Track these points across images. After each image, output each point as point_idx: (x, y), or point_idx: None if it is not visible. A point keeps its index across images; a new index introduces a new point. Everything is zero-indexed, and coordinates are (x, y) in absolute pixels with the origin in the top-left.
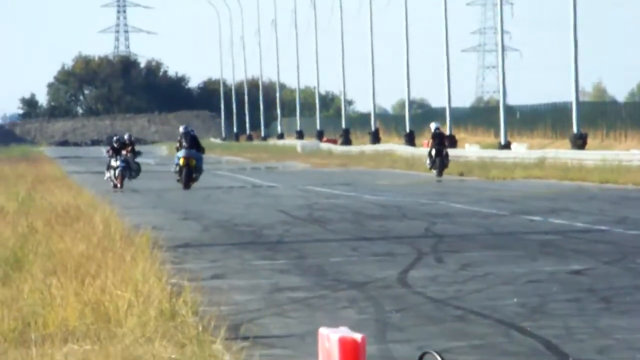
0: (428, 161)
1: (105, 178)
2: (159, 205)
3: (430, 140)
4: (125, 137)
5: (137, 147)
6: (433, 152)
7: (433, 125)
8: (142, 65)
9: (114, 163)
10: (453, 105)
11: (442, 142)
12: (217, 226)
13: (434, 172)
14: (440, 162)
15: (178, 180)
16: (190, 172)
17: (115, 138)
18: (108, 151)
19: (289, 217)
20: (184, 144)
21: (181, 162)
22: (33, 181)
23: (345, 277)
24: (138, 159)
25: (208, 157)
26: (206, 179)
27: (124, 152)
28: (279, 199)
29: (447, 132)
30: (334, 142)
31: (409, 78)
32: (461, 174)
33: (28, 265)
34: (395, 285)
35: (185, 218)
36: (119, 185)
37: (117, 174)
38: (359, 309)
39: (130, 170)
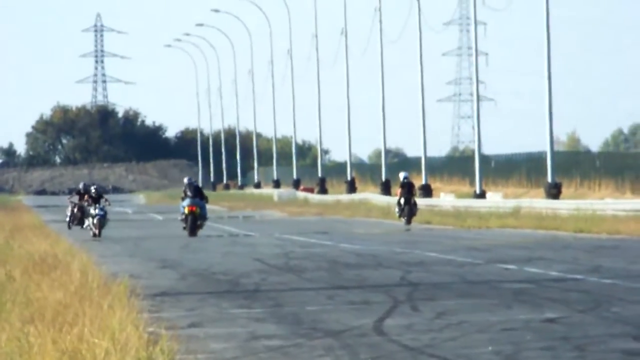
0: (397, 209)
1: (85, 226)
2: (136, 253)
3: (399, 190)
4: (92, 188)
5: (106, 197)
6: (402, 200)
7: (402, 175)
8: (120, 114)
9: (92, 211)
10: (429, 154)
11: (411, 191)
12: (194, 275)
13: (403, 220)
14: (408, 210)
15: (184, 228)
16: (195, 220)
17: (82, 186)
18: (72, 200)
19: (266, 265)
20: (189, 193)
21: (186, 210)
22: (11, 230)
23: (321, 326)
24: (117, 208)
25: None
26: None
27: (99, 201)
28: (256, 247)
29: (423, 182)
30: (311, 191)
31: (385, 128)
32: (428, 222)
33: (5, 314)
34: (371, 333)
35: (162, 266)
36: (97, 233)
37: (95, 222)
38: (335, 357)
39: (105, 219)
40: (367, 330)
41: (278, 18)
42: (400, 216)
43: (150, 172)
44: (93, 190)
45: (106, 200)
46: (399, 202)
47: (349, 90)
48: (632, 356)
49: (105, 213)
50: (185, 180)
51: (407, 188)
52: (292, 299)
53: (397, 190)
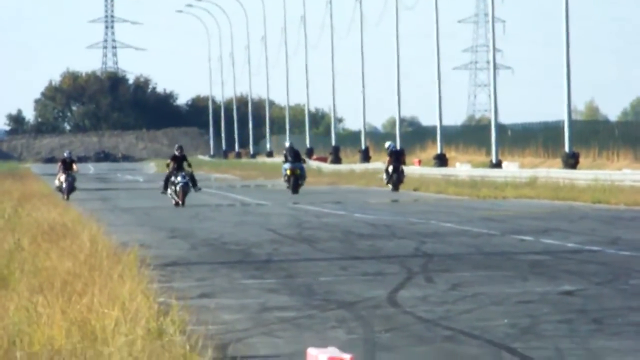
0: (385, 176)
1: (169, 194)
2: (147, 223)
3: (388, 158)
4: (65, 154)
5: (124, 164)
6: (390, 168)
7: (387, 144)
8: (130, 81)
9: (174, 179)
10: (444, 123)
11: (399, 159)
12: (205, 244)
13: (390, 186)
14: (396, 177)
15: (287, 187)
16: (297, 180)
17: (67, 154)
18: (60, 167)
19: (278, 235)
20: (289, 157)
21: (289, 172)
22: (19, 198)
23: (334, 297)
24: (128, 176)
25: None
26: (194, 196)
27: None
28: (268, 217)
29: (438, 151)
30: (324, 160)
31: (400, 96)
32: (415, 189)
33: (14, 283)
34: (384, 305)
35: (173, 236)
36: (180, 202)
37: (178, 190)
38: (348, 329)
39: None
40: (380, 301)
41: None
42: (388, 182)
43: (160, 140)
44: (65, 156)
45: (75, 167)
46: (387, 170)
47: (363, 58)
48: None
49: (73, 179)
50: (287, 144)
51: (396, 156)
52: (305, 270)
53: (388, 159)
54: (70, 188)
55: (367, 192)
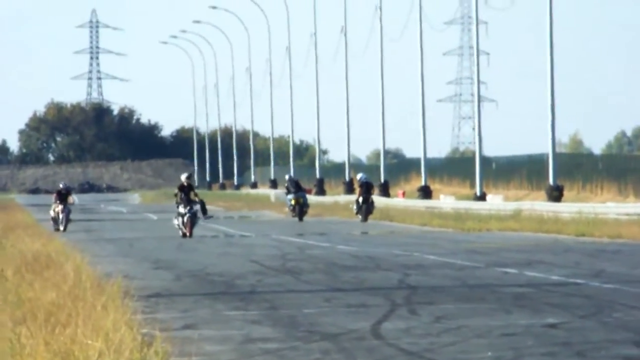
0: (355, 207)
1: (175, 225)
2: (131, 253)
3: (359, 189)
4: (61, 185)
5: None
6: (360, 199)
7: (359, 176)
8: (115, 112)
9: (182, 210)
10: (428, 155)
11: (369, 190)
12: (189, 276)
13: (360, 217)
14: (366, 208)
15: (293, 216)
16: (302, 208)
17: (62, 185)
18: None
19: (262, 267)
20: (291, 188)
21: (293, 202)
22: (3, 228)
23: (318, 329)
24: (112, 207)
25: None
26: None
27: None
28: (252, 248)
29: (422, 183)
30: (308, 192)
31: (384, 128)
32: (390, 220)
33: None
34: (368, 337)
35: (157, 267)
36: (188, 234)
37: (186, 221)
38: None
39: (196, 217)
40: (364, 333)
41: (276, 15)
42: (357, 213)
43: (145, 171)
44: (61, 187)
45: (72, 198)
46: (357, 200)
47: (348, 89)
48: None
49: (69, 211)
50: (287, 177)
51: (365, 188)
52: (289, 301)
53: (358, 190)
54: (67, 219)
55: (351, 224)
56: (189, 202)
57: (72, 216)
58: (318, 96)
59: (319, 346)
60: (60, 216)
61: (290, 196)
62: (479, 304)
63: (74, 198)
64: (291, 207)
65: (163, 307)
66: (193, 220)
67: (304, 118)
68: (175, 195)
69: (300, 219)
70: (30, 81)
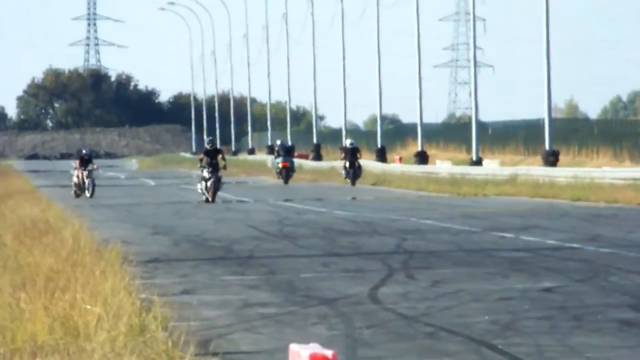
0: (343, 172)
1: (199, 190)
2: (129, 219)
3: (343, 154)
4: (85, 151)
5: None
6: (347, 164)
7: (348, 141)
8: (113, 78)
9: (206, 174)
10: (425, 121)
11: (355, 155)
12: (187, 241)
13: (349, 181)
14: (353, 172)
15: (279, 178)
16: (288, 172)
17: (86, 151)
18: (76, 167)
19: (259, 232)
20: (281, 152)
21: (281, 165)
22: (2, 195)
23: (315, 293)
24: (110, 173)
25: (177, 171)
26: (176, 193)
27: (90, 167)
28: (249, 214)
29: (419, 148)
30: (305, 157)
31: (381, 94)
32: (374, 184)
33: None
34: (366, 301)
35: (155, 233)
36: (210, 199)
37: (209, 186)
38: (329, 325)
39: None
40: (362, 298)
41: None
42: (346, 177)
43: (142, 137)
44: (84, 152)
45: (93, 164)
46: (344, 166)
47: (344, 55)
48: (629, 326)
49: (94, 177)
50: (278, 142)
51: (351, 153)
52: (286, 266)
53: (341, 155)
54: (94, 185)
55: (349, 189)
56: (213, 167)
57: (69, 181)
58: (315, 62)
59: (317, 311)
60: (86, 181)
61: (278, 160)
62: (475, 268)
63: (95, 165)
64: (278, 171)
65: (161, 273)
66: (216, 186)
67: (301, 84)
68: (200, 160)
69: (286, 182)
70: (28, 48)
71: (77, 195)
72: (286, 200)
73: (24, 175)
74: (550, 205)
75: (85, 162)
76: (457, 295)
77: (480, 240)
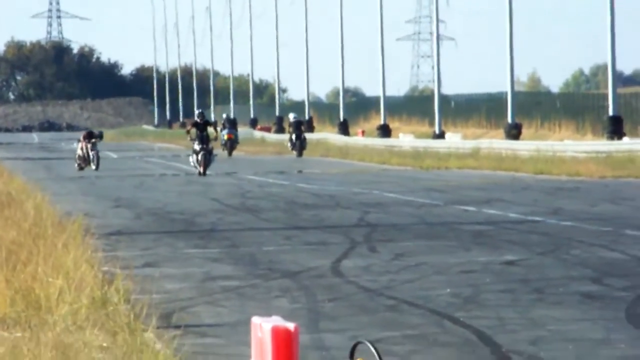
0: (289, 144)
1: (191, 163)
2: (91, 192)
3: (290, 128)
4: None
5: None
6: (293, 137)
7: (291, 115)
8: (75, 51)
9: (197, 147)
10: (387, 94)
11: (299, 128)
12: (150, 214)
13: (295, 152)
14: (299, 144)
15: (224, 150)
16: (232, 144)
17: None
18: (80, 141)
19: (222, 205)
20: (227, 125)
21: (226, 137)
22: None
23: (278, 266)
24: (71, 145)
25: (140, 144)
26: (138, 165)
27: (93, 141)
28: (212, 187)
29: (381, 121)
30: (268, 130)
31: (344, 66)
32: (323, 155)
33: None
34: (328, 274)
35: (117, 205)
36: (202, 171)
37: (200, 159)
38: (291, 298)
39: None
40: (324, 271)
41: None
42: (292, 149)
43: (105, 109)
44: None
45: (95, 140)
46: (290, 138)
47: (307, 28)
48: (590, 299)
49: (98, 150)
50: (224, 115)
51: (296, 125)
52: (249, 239)
53: (288, 128)
54: (99, 157)
55: (311, 162)
56: (202, 140)
57: (31, 154)
58: (277, 35)
59: (279, 284)
60: (91, 154)
61: (224, 132)
62: (438, 241)
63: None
64: (223, 142)
65: (124, 245)
66: (207, 159)
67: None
68: (188, 132)
69: (230, 154)
70: None
71: (81, 168)
72: (228, 173)
73: None
74: (512, 178)
75: (90, 135)
76: (419, 268)
77: (443, 214)
